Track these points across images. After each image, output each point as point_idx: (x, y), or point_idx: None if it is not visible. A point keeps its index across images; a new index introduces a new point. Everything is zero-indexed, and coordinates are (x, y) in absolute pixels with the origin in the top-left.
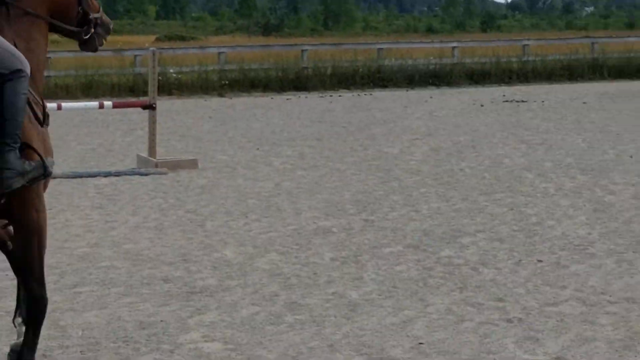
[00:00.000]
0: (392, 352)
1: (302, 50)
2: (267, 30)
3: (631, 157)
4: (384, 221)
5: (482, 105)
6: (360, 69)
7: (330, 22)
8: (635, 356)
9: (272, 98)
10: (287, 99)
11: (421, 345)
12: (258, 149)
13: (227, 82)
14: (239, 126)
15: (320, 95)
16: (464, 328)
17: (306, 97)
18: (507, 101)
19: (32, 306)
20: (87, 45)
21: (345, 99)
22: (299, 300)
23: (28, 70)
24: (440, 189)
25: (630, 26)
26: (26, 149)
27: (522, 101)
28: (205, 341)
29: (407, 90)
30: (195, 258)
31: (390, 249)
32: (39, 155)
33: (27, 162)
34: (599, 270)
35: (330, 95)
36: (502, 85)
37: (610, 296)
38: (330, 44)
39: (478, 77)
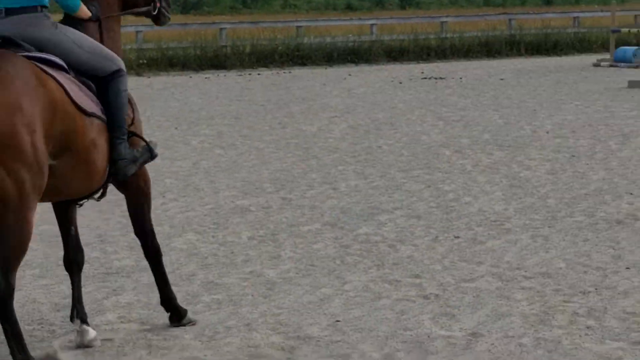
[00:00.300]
0: (309, 331)
1: (221, 29)
2: (185, 8)
3: (547, 132)
4: (302, 199)
5: (400, 83)
6: (279, 47)
7: (249, 0)
8: (550, 330)
9: (190, 77)
10: (206, 78)
11: (338, 322)
12: (176, 128)
13: (145, 61)
14: (157, 105)
15: (239, 73)
16: (381, 305)
17: (225, 76)
18: (425, 78)
19: (150, 256)
20: (158, 20)
21: (264, 77)
22: (216, 280)
23: (124, 68)
24: (358, 166)
25: (548, 3)
26: (132, 137)
27: (440, 78)
28: (122, 322)
29: (325, 68)
30: (111, 239)
31: (308, 227)
32: (144, 140)
33: (135, 149)
34: (515, 245)
35: (249, 74)
36: (420, 62)
37: (525, 271)
38: (249, 22)
39: (396, 54)
